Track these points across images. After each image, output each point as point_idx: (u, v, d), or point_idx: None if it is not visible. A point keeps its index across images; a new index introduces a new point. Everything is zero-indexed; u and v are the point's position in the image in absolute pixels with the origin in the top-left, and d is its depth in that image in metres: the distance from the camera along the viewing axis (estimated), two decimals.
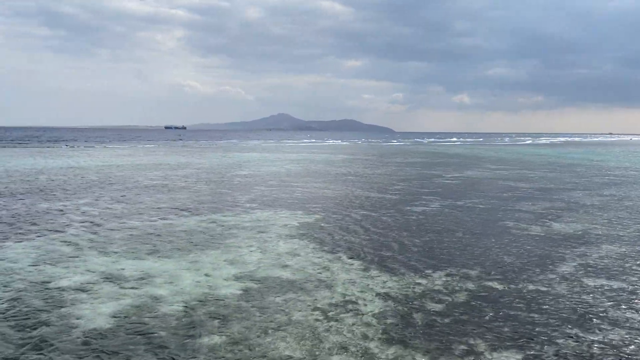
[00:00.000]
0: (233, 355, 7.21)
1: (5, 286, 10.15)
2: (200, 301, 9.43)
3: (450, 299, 9.72)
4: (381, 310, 9.09)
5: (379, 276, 11.12)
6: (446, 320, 8.64)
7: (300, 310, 9.00)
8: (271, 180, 30.95)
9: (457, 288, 10.40)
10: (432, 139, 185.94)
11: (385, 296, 9.83)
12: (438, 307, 9.30)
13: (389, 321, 8.56)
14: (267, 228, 16.19)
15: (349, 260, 12.39)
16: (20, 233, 14.99)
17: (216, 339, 7.74)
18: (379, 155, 67.53)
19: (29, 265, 11.64)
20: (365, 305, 9.34)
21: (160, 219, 17.58)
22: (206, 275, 11.05)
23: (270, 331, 8.07)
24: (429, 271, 11.59)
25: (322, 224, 16.96)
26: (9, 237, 14.41)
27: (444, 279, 11.03)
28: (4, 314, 8.70)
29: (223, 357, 7.17)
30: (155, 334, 7.92)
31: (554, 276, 11.30)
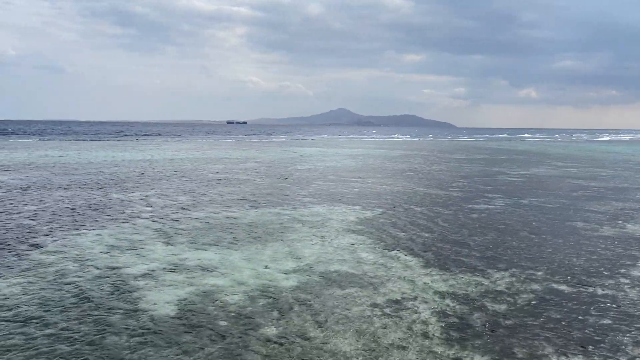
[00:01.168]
0: (291, 348, 7.32)
1: (79, 271, 10.80)
2: (260, 293, 9.63)
3: (513, 301, 9.38)
4: (441, 309, 8.91)
5: (438, 274, 10.91)
6: (509, 322, 8.35)
7: (358, 306, 8.99)
8: (330, 175, 31.06)
9: (521, 289, 10.02)
10: (504, 135, 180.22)
11: (445, 295, 9.63)
12: (500, 308, 9.00)
13: (449, 320, 8.38)
14: (326, 222, 16.28)
15: (408, 257, 12.23)
16: (94, 222, 15.90)
17: (274, 331, 7.88)
18: (440, 151, 66.13)
19: (101, 252, 12.32)
20: (425, 303, 9.19)
21: (223, 211, 18.09)
22: (266, 267, 11.27)
23: (328, 325, 8.12)
24: (491, 271, 11.23)
25: (381, 220, 16.84)
26: (84, 225, 15.31)
27: (507, 279, 10.66)
28: (78, 296, 9.26)
29: (281, 349, 7.30)
30: (216, 323, 8.17)
31: (626, 280, 10.64)
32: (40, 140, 77.44)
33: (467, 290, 9.89)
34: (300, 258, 12.04)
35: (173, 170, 32.63)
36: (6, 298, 9.10)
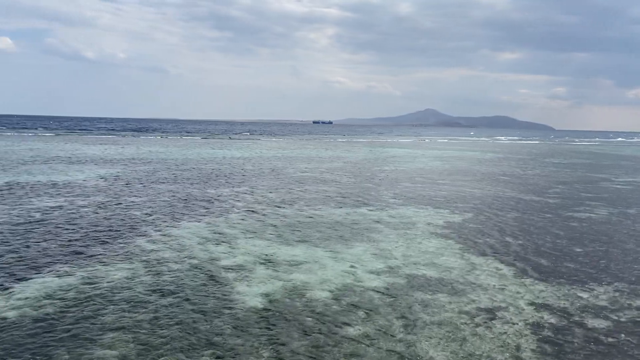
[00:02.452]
0: (376, 348, 7.30)
1: (177, 260, 11.50)
2: (346, 291, 9.70)
3: (616, 317, 8.68)
4: (535, 321, 8.45)
5: (533, 284, 10.35)
6: (610, 340, 7.74)
7: (446, 311, 8.77)
8: (416, 177, 30.54)
9: (625, 305, 9.24)
10: (619, 138, 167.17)
11: (540, 306, 9.12)
12: (602, 324, 8.37)
13: (543, 334, 7.93)
14: (412, 225, 16.03)
15: (499, 265, 11.72)
16: (191, 214, 16.86)
17: (360, 330, 7.90)
18: (535, 154, 62.62)
19: (197, 244, 13.03)
20: (518, 313, 8.76)
21: (310, 209, 18.42)
22: (351, 266, 11.32)
23: (414, 329, 8.00)
24: (593, 284, 10.46)
25: (470, 225, 16.28)
26: (182, 218, 16.29)
27: (610, 294, 9.88)
28: (175, 284, 9.88)
29: (366, 349, 7.30)
30: (302, 319, 8.34)
31: None
32: (161, 137, 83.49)
33: (564, 304, 9.30)
34: (385, 259, 11.97)
35: (263, 168, 33.74)
36: (114, 282, 9.91)
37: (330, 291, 9.69)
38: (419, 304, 9.09)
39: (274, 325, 8.06)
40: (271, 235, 14.12)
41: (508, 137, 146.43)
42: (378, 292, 9.71)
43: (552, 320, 8.48)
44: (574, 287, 10.25)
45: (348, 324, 8.13)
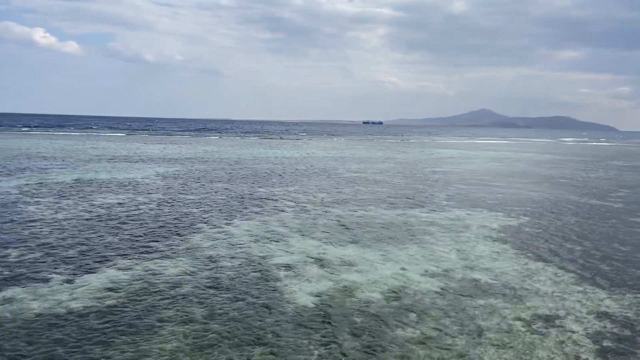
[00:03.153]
0: (428, 352, 7.20)
1: (230, 257, 11.78)
2: (397, 293, 9.62)
3: None
4: (596, 330, 8.08)
5: (594, 292, 9.89)
6: None
7: (500, 318, 8.53)
8: (470, 179, 29.84)
9: None
10: None
11: (602, 315, 8.70)
12: None
13: (605, 345, 7.57)
14: (465, 228, 15.68)
15: (559, 271, 11.28)
16: (244, 213, 17.22)
17: (411, 333, 7.82)
18: (597, 156, 59.75)
19: (249, 241, 13.29)
20: (577, 322, 8.40)
21: (360, 209, 18.38)
22: (403, 268, 11.21)
23: (466, 335, 7.83)
24: None
25: (527, 229, 15.75)
26: (235, 215, 16.67)
27: None
28: (229, 280, 10.12)
29: (418, 352, 7.22)
30: (354, 319, 8.34)
31: None
32: (219, 136, 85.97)
33: (629, 313, 8.83)
34: (438, 262, 11.78)
35: (314, 168, 33.97)
36: (172, 277, 10.28)
37: (382, 292, 9.64)
38: (472, 309, 8.89)
39: (325, 324, 8.11)
40: (322, 235, 14.20)
41: (573, 138, 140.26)
42: (430, 295, 9.58)
43: (615, 330, 8.09)
44: (639, 296, 9.72)
45: (400, 327, 8.06)
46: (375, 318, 8.39)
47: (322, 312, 8.60)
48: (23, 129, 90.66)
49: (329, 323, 8.16)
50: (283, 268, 11.06)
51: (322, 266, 11.26)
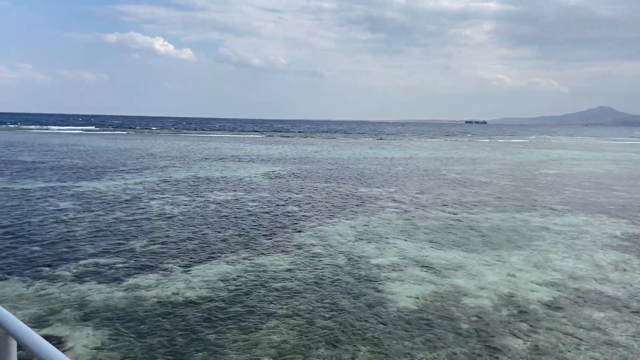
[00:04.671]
0: None
1: (332, 256, 11.98)
2: (506, 300, 9.18)
3: None
4: None
5: None
6: None
7: (623, 332, 7.81)
8: (586, 182, 27.61)
9: None
10: None
11: None
12: None
13: None
14: (582, 234, 14.55)
15: None
16: (344, 212, 17.42)
17: (520, 344, 7.42)
18: None
19: (350, 241, 13.42)
20: None
21: (463, 212, 17.79)
22: (511, 275, 10.68)
23: (584, 348, 7.28)
24: None
25: None
26: (336, 215, 16.92)
27: None
28: (331, 278, 10.30)
29: None
30: (458, 325, 8.10)
31: None
32: (320, 138, 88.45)
33: None
34: (550, 270, 11.05)
35: (414, 169, 33.45)
36: (277, 272, 10.68)
37: (489, 299, 9.26)
38: (589, 322, 8.24)
39: (429, 327, 7.97)
40: (424, 237, 13.94)
41: None
42: (541, 304, 9.02)
43: None
44: None
45: (509, 335, 7.69)
46: (483, 325, 8.08)
47: (425, 316, 8.46)
48: (152, 129, 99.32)
49: (433, 327, 8.00)
50: (384, 269, 11.03)
51: (424, 269, 11.06)
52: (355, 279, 10.33)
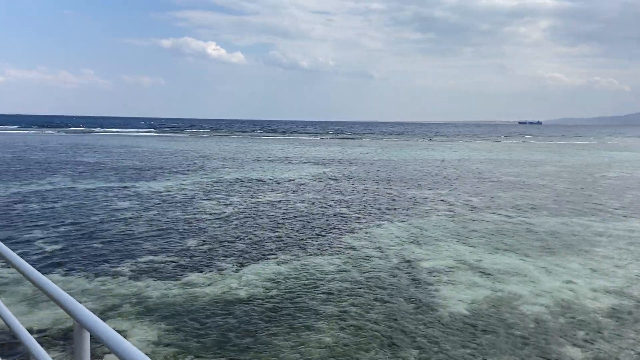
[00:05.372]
0: None
1: (381, 258, 11.92)
2: (563, 308, 8.84)
3: None
4: None
5: None
6: None
7: None
8: None
9: None
10: None
11: None
12: None
13: None
14: None
15: None
16: (394, 214, 17.29)
17: (579, 354, 7.13)
18: None
19: (400, 243, 13.30)
20: None
21: (518, 215, 17.25)
22: (568, 282, 10.26)
23: None
24: None
25: None
26: (385, 217, 16.81)
27: None
28: (380, 280, 10.24)
29: None
30: (512, 332, 7.87)
31: None
32: (369, 139, 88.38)
33: None
34: (611, 277, 10.55)
35: (466, 171, 32.74)
36: (326, 272, 10.74)
37: (545, 306, 8.94)
38: None
39: (481, 334, 7.79)
40: (477, 241, 13.63)
41: None
42: (602, 313, 8.62)
43: None
44: None
45: (565, 344, 7.40)
46: (539, 332, 7.81)
47: (478, 321, 8.27)
48: (205, 131, 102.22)
49: (487, 333, 7.81)
50: (435, 272, 10.86)
51: (475, 274, 10.82)
52: (406, 281, 10.24)
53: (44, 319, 7.91)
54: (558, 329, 7.98)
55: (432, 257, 12.05)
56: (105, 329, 1.69)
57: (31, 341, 2.39)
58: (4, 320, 2.66)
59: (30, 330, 2.70)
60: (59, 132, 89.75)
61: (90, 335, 1.81)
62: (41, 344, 2.43)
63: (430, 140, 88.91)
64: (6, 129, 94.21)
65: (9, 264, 2.55)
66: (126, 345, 1.56)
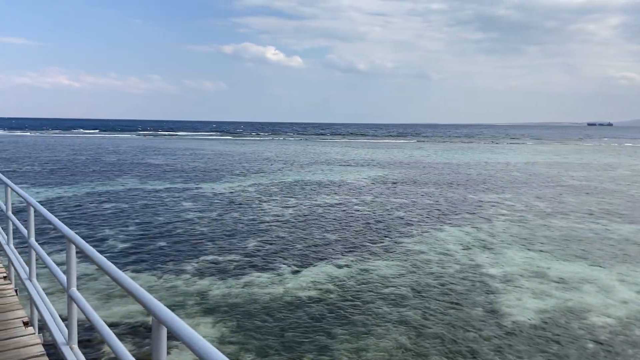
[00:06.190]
0: None
1: (441, 263, 11.66)
2: (638, 321, 8.30)
3: None
4: None
5: None
6: None
7: None
8: None
9: None
10: None
11: None
12: None
13: None
14: None
15: None
16: (453, 218, 16.89)
17: None
18: None
19: (460, 249, 12.96)
20: None
21: (588, 222, 16.38)
22: None
23: None
24: None
25: None
26: (444, 221, 16.46)
27: None
28: (441, 286, 10.02)
29: None
30: (583, 345, 7.47)
31: None
32: (428, 141, 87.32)
33: None
34: None
35: (531, 174, 31.49)
36: (384, 277, 10.64)
37: (619, 319, 8.42)
38: None
39: (547, 345, 7.45)
40: (542, 248, 13.06)
41: None
42: None
43: None
44: None
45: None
46: (612, 346, 7.37)
47: (545, 332, 7.91)
48: (264, 134, 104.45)
49: (554, 344, 7.46)
50: (498, 279, 10.50)
51: (542, 281, 10.36)
52: (468, 288, 9.96)
53: (119, 314, 8.33)
54: (633, 342, 7.49)
55: (496, 263, 11.67)
56: (183, 326, 1.75)
57: (110, 335, 2.52)
58: (84, 314, 2.82)
59: (108, 324, 2.85)
60: (130, 135, 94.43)
61: (167, 332, 1.89)
62: (118, 336, 2.55)
63: (493, 142, 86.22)
64: (79, 132, 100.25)
65: (92, 262, 2.70)
66: (203, 342, 1.61)
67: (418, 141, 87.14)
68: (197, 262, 11.52)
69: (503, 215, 17.57)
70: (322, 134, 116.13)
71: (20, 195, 4.86)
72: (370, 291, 9.73)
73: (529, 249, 12.90)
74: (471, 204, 19.78)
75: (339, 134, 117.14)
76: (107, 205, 18.46)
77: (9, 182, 5.50)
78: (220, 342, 7.46)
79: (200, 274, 10.70)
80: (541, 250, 12.79)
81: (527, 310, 8.78)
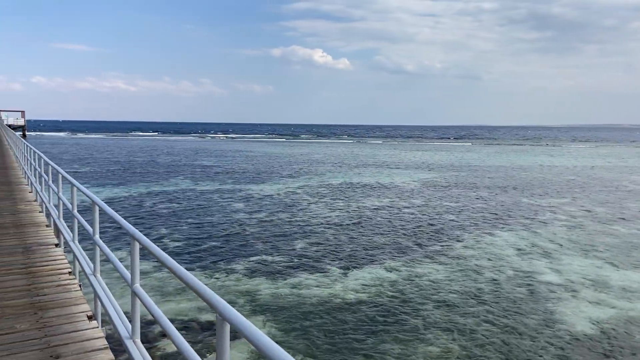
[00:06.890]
0: None
1: (494, 269, 11.36)
2: None
3: None
4: None
5: None
6: None
7: None
8: None
9: None
10: None
11: None
12: None
13: None
14: None
15: None
16: (506, 223, 16.41)
17: None
18: None
19: (514, 254, 12.59)
20: None
21: None
22: None
23: None
24: None
25: None
26: (497, 225, 16.02)
27: None
28: (494, 293, 9.76)
29: None
30: None
31: None
32: (476, 144, 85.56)
33: None
34: None
35: (589, 179, 30.17)
36: (434, 281, 10.49)
37: None
38: None
39: (607, 356, 7.12)
40: (602, 255, 12.49)
41: None
42: None
43: None
44: None
45: None
46: None
47: (605, 343, 7.57)
48: (310, 136, 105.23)
49: (615, 356, 7.13)
50: (555, 287, 10.13)
51: (602, 290, 9.91)
52: (522, 296, 9.67)
53: (177, 309, 8.62)
54: None
55: (551, 270, 11.26)
56: (246, 322, 1.80)
57: (172, 330, 2.62)
58: (147, 309, 2.95)
59: (171, 320, 2.97)
60: (184, 137, 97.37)
61: (230, 328, 1.95)
62: (180, 331, 2.65)
63: (547, 144, 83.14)
64: (137, 135, 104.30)
65: (156, 259, 2.81)
66: (265, 339, 1.66)
67: (467, 143, 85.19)
68: (247, 262, 11.73)
69: (559, 220, 16.93)
70: (371, 136, 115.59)
71: (85, 195, 5.10)
72: (419, 296, 9.62)
73: (586, 256, 12.38)
74: (525, 209, 19.16)
75: (390, 137, 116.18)
76: (162, 205, 19.11)
77: (75, 182, 5.79)
78: None
79: (250, 273, 10.90)
80: (599, 257, 12.24)
81: (584, 320, 8.43)
